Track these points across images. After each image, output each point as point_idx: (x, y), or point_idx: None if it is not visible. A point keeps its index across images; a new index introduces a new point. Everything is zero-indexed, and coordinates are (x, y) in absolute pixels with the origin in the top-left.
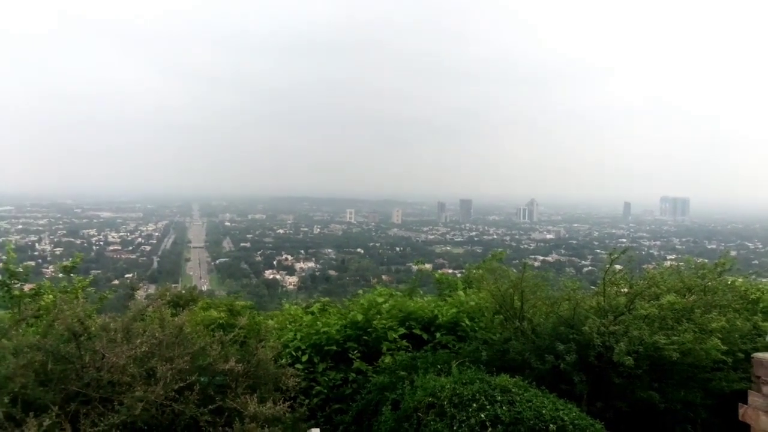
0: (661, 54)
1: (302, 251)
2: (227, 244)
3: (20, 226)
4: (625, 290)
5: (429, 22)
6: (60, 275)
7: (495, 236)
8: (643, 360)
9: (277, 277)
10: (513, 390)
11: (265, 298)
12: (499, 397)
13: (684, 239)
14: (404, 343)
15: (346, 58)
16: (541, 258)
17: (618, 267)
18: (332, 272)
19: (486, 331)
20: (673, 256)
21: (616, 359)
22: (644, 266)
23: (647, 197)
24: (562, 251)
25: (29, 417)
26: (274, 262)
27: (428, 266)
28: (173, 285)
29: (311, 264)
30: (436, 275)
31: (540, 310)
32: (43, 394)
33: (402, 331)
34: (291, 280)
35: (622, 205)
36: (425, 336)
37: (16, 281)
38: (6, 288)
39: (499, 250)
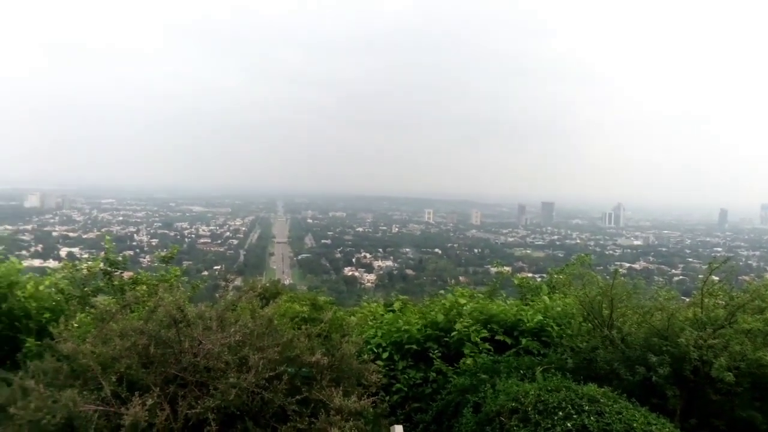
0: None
1: (381, 250)
2: (309, 241)
3: (120, 218)
4: (723, 302)
5: (509, 22)
6: (157, 264)
7: (578, 241)
8: (744, 377)
9: (356, 274)
10: (601, 400)
11: (344, 295)
12: (587, 407)
13: None
14: (486, 346)
15: (425, 58)
16: (628, 265)
17: (715, 278)
18: (410, 271)
19: (572, 339)
20: None
21: (715, 374)
22: (742, 277)
23: (746, 204)
24: (651, 258)
25: (134, 396)
26: (353, 260)
27: (507, 269)
28: (258, 278)
29: (389, 262)
30: (516, 279)
31: (630, 319)
32: (145, 375)
33: (484, 333)
34: (369, 278)
35: (718, 212)
36: (508, 340)
37: (116, 270)
38: (107, 276)
39: (585, 254)
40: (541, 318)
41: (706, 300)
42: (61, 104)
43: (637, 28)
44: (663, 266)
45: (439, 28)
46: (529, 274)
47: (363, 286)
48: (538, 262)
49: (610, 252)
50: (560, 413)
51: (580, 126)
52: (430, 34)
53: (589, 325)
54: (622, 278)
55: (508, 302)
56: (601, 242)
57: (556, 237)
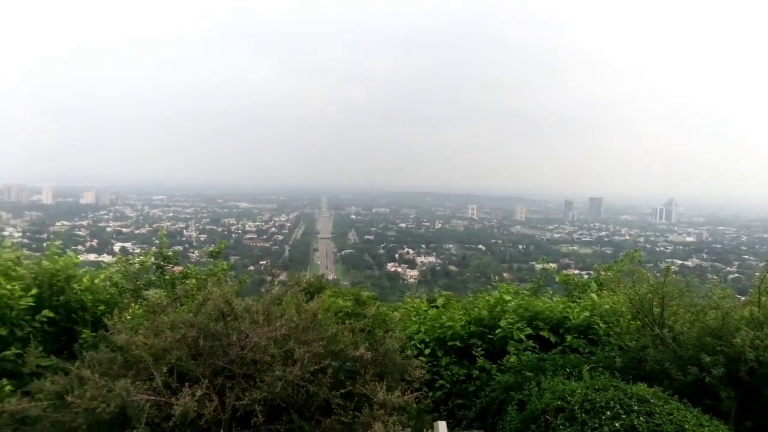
0: None
1: (423, 245)
2: (352, 236)
3: (171, 214)
4: None
5: (547, 17)
6: (205, 259)
7: (627, 237)
8: None
9: (399, 270)
10: (651, 401)
11: (387, 290)
12: (636, 407)
13: None
14: (531, 343)
15: (465, 54)
16: (680, 262)
17: None
18: (453, 267)
19: (621, 337)
20: None
21: None
22: None
23: None
24: (704, 256)
25: (184, 387)
26: (396, 255)
27: (553, 266)
28: (302, 273)
29: (432, 258)
30: (561, 276)
31: (682, 318)
32: (195, 367)
33: (529, 331)
34: (412, 274)
35: None
36: (553, 338)
37: (168, 264)
38: (160, 270)
39: (635, 250)
40: (588, 315)
41: (763, 299)
42: (111, 102)
43: (673, 20)
44: (717, 264)
45: (479, 22)
46: (576, 271)
47: (405, 281)
48: (585, 259)
49: (661, 249)
50: (608, 413)
51: (629, 119)
52: (468, 28)
53: (639, 323)
54: (674, 276)
55: (554, 299)
56: (652, 239)
57: (604, 233)
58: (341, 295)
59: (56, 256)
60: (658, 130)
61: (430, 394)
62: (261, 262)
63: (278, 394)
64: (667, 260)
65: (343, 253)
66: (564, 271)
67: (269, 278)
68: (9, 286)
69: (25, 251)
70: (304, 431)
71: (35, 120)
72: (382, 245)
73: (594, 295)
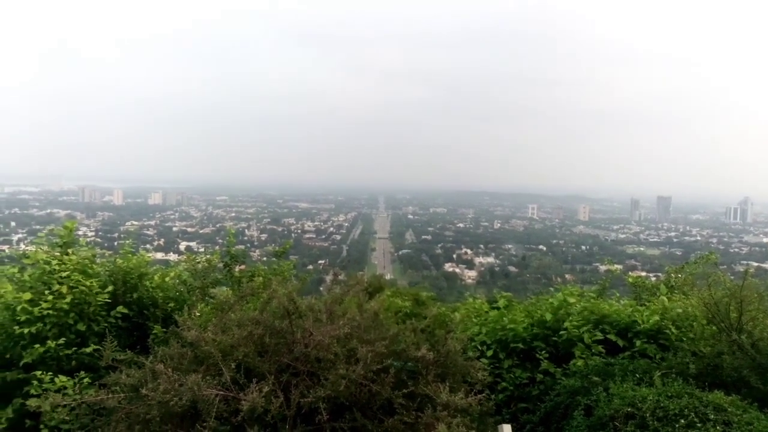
0: None
1: (482, 246)
2: (409, 236)
3: (233, 214)
4: None
5: (609, 9)
6: (266, 258)
7: (698, 237)
8: None
9: (456, 270)
10: (729, 409)
11: (444, 291)
12: (712, 416)
13: None
14: (599, 347)
15: (522, 49)
16: (756, 264)
17: None
18: (512, 268)
19: (694, 342)
20: None
21: None
22: None
23: None
24: None
25: (251, 383)
26: (454, 256)
27: (618, 267)
28: (360, 273)
29: (491, 259)
30: (630, 278)
31: (762, 323)
32: (261, 363)
33: (598, 336)
34: (470, 274)
35: None
36: (621, 342)
37: (235, 263)
38: (228, 268)
39: (710, 252)
40: (658, 319)
41: None
42: (175, 105)
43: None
44: None
45: (536, 18)
46: (643, 273)
47: (463, 282)
48: (652, 261)
49: (736, 250)
50: (682, 421)
51: (705, 114)
52: (526, 25)
53: (714, 328)
54: (753, 279)
55: (621, 302)
56: (725, 239)
57: (673, 233)
58: (400, 295)
59: (129, 255)
60: (730, 126)
61: (493, 396)
62: (319, 262)
63: (342, 393)
64: (742, 262)
65: (400, 253)
66: (630, 273)
67: (334, 277)
68: (87, 283)
69: (98, 250)
70: (367, 430)
71: (110, 123)
72: (439, 245)
73: (665, 299)
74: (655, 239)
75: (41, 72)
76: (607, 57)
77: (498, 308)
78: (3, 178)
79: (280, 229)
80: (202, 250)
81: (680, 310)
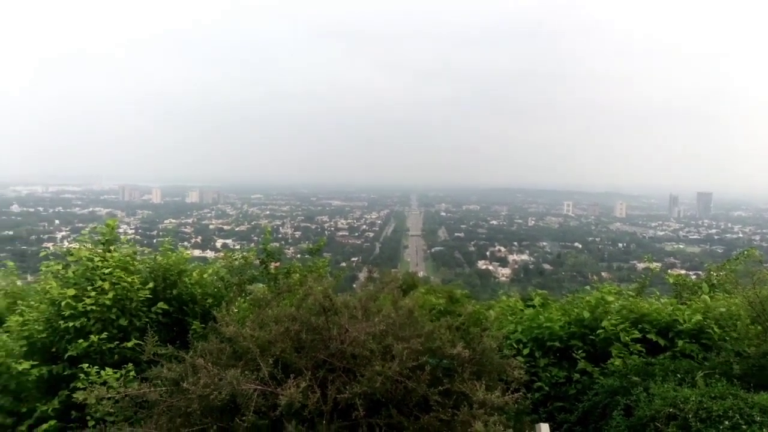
0: None
1: (516, 243)
2: (442, 234)
3: (267, 212)
4: None
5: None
6: (304, 255)
7: (741, 235)
8: None
9: (490, 268)
10: None
11: (478, 288)
12: (759, 418)
13: None
14: (638, 347)
15: (555, 45)
16: None
17: None
18: (547, 266)
19: (738, 342)
20: None
21: None
22: None
23: None
24: None
25: (288, 378)
26: (487, 253)
27: (657, 265)
28: (393, 270)
29: (525, 257)
30: (672, 276)
31: None
32: (298, 359)
33: (636, 334)
34: (504, 272)
35: None
36: (661, 341)
37: (271, 260)
38: (264, 265)
39: (752, 248)
40: (700, 318)
41: None
42: (207, 104)
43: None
44: None
45: (571, 11)
46: (682, 271)
47: (497, 280)
48: (692, 258)
49: None
50: (726, 422)
51: (749, 108)
52: (560, 18)
53: (759, 328)
54: None
55: (662, 301)
56: None
57: (714, 231)
58: (434, 293)
59: (169, 252)
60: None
61: (529, 395)
62: (352, 259)
63: (377, 389)
64: None
65: (433, 250)
66: (669, 271)
67: (367, 275)
68: (129, 280)
69: (138, 247)
70: (402, 427)
71: (147, 124)
72: (472, 242)
73: (707, 297)
74: (695, 236)
75: (62, 75)
76: (644, 51)
77: (533, 306)
78: (46, 178)
79: (313, 226)
80: (238, 247)
81: (723, 309)
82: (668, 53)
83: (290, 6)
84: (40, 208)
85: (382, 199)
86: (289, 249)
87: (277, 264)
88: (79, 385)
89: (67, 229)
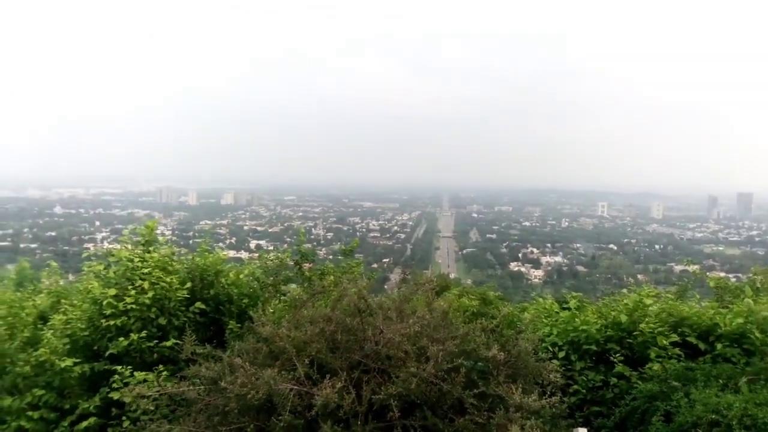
0: None
1: (549, 245)
2: (474, 235)
3: (300, 213)
4: None
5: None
6: (336, 256)
7: None
8: None
9: (522, 269)
10: None
11: (510, 290)
12: None
13: None
14: (677, 351)
15: (590, 45)
16: None
17: None
18: (581, 268)
19: None
20: None
21: None
22: None
23: None
24: None
25: (324, 379)
26: (520, 255)
27: (697, 267)
28: (425, 271)
29: (558, 258)
30: (713, 280)
31: None
32: (333, 360)
33: (675, 338)
34: (536, 274)
35: None
36: (702, 345)
37: (306, 261)
38: (298, 266)
39: None
40: (742, 322)
41: None
42: (257, 110)
43: None
44: None
45: (606, 13)
46: (722, 274)
47: (530, 281)
48: (732, 261)
49: None
50: None
51: None
52: (595, 19)
53: None
54: None
55: (703, 304)
56: None
57: (755, 232)
58: (467, 294)
59: (206, 253)
60: None
61: (565, 399)
62: (384, 260)
63: (412, 391)
64: None
65: (464, 251)
66: (708, 274)
67: (401, 276)
68: (167, 280)
69: (175, 248)
70: (437, 429)
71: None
72: (504, 244)
73: (750, 301)
74: (735, 238)
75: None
76: (680, 51)
77: (568, 309)
78: (88, 179)
79: (345, 228)
80: (272, 248)
81: (766, 314)
82: (712, 56)
83: (329, 13)
84: (81, 210)
85: (414, 200)
86: (321, 250)
87: (311, 265)
88: (115, 385)
89: (107, 230)
